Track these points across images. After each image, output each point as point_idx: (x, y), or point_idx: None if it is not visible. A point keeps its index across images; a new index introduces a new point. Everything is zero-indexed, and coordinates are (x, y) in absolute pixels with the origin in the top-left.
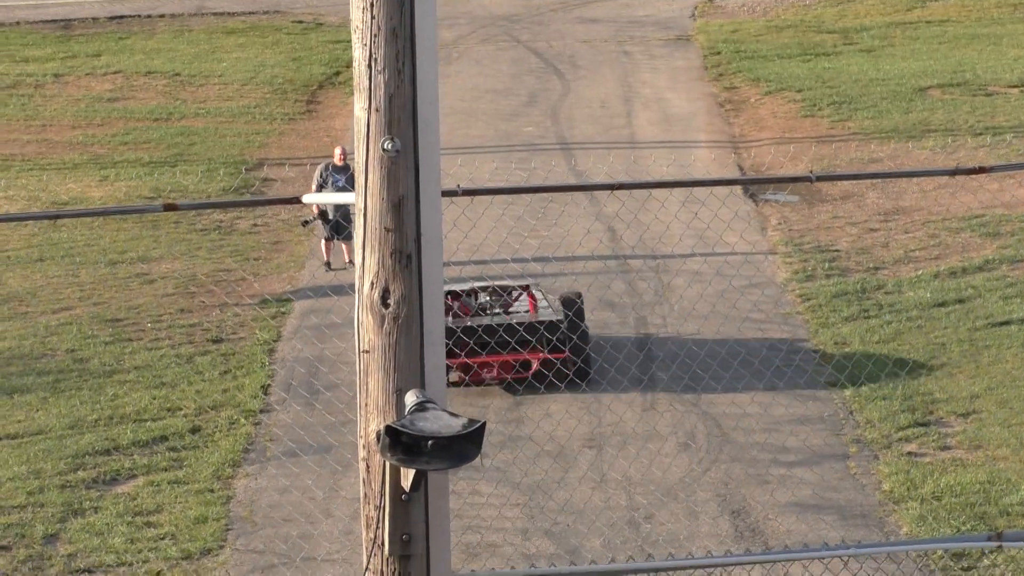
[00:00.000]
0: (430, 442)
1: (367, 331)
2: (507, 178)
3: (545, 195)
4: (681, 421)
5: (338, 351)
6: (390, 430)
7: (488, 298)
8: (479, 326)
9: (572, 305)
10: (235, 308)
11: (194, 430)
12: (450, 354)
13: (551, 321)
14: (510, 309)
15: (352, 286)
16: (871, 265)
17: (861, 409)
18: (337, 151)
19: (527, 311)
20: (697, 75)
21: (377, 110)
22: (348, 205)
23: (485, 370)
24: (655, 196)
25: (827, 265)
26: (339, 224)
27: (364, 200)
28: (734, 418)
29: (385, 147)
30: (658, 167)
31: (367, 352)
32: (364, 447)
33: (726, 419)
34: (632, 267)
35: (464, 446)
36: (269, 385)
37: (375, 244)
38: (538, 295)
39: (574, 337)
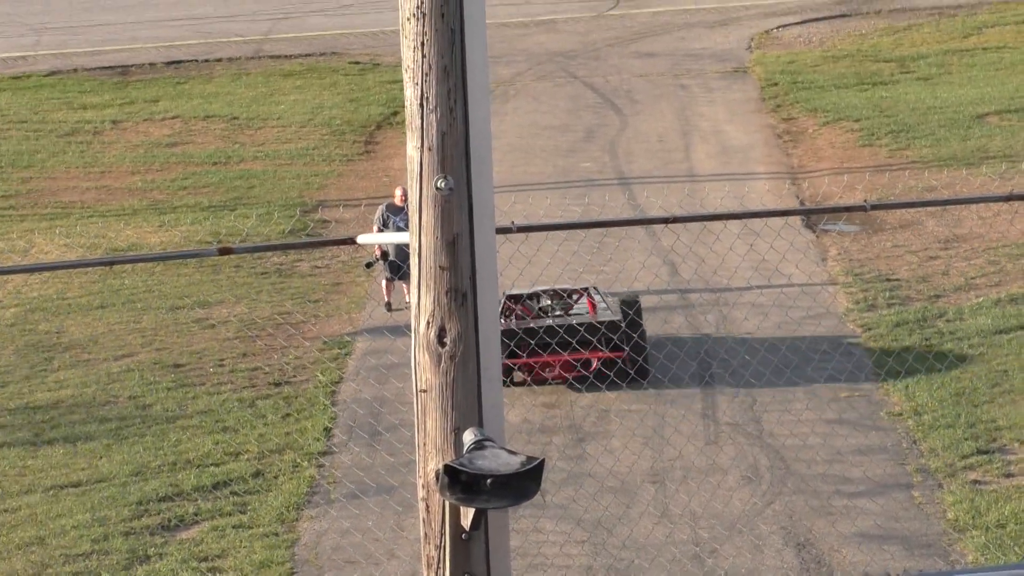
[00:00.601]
0: (489, 480)
1: (424, 370)
2: (563, 214)
3: (601, 230)
4: (743, 453)
5: (397, 392)
6: (449, 469)
7: (549, 301)
8: (540, 327)
9: (632, 306)
10: (295, 351)
11: (257, 474)
12: (513, 354)
13: (611, 321)
14: (571, 311)
15: (410, 326)
16: (932, 293)
17: (924, 438)
18: (398, 192)
19: (587, 312)
20: (755, 107)
21: (430, 149)
22: (406, 245)
23: (547, 370)
24: (709, 228)
25: (888, 294)
26: (397, 264)
27: (419, 239)
28: (796, 449)
29: (438, 186)
30: (714, 199)
31: (424, 391)
32: (423, 487)
33: (788, 451)
34: (690, 300)
35: (524, 483)
36: (330, 427)
37: (430, 283)
38: (597, 298)
39: (634, 336)
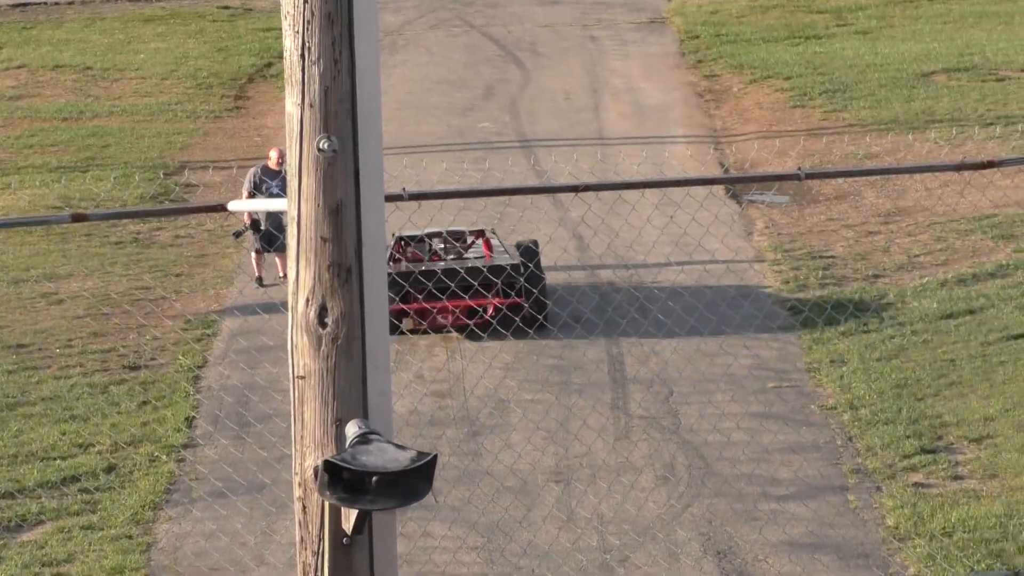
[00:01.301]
0: (375, 478)
1: (302, 354)
2: (460, 180)
3: (502, 199)
4: (658, 451)
5: (271, 377)
6: (329, 465)
7: (443, 244)
8: (438, 269)
9: (531, 255)
10: (154, 330)
11: (109, 469)
12: (405, 299)
13: (512, 264)
14: (465, 255)
15: (286, 304)
16: (870, 273)
17: (861, 435)
18: (273, 153)
19: (482, 257)
20: (673, 62)
21: (311, 105)
22: (282, 214)
23: (444, 315)
24: (625, 198)
25: (821, 273)
26: (271, 235)
27: (297, 207)
28: (718, 447)
29: (321, 147)
30: (629, 166)
31: (302, 378)
32: (300, 485)
33: (709, 448)
34: (601, 278)
35: (413, 482)
36: (193, 417)
37: (310, 256)
38: (495, 241)
39: (535, 284)
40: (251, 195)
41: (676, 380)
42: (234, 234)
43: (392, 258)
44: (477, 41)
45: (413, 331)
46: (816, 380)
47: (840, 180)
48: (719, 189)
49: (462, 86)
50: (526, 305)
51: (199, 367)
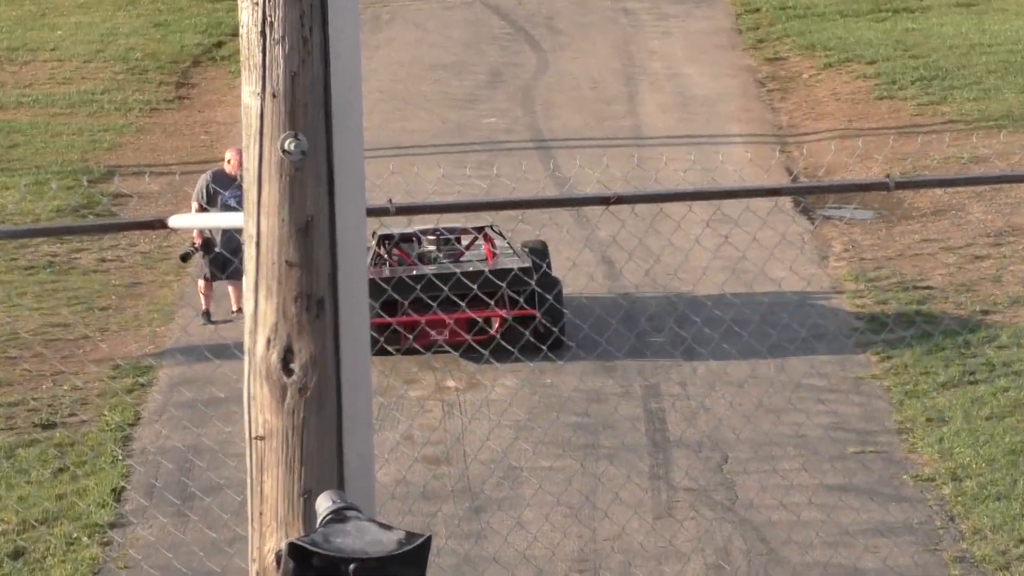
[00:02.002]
0: (352, 566)
1: (261, 409)
2: (460, 189)
3: (512, 213)
4: (709, 532)
5: (221, 438)
6: (295, 549)
7: (434, 247)
8: (424, 276)
9: (541, 256)
10: (75, 379)
11: (16, 554)
12: (388, 309)
13: (521, 268)
14: (462, 258)
15: (240, 345)
16: (977, 308)
17: (966, 513)
18: (229, 156)
19: (483, 260)
20: (727, 41)
21: (274, 95)
22: (238, 233)
23: (438, 330)
24: (667, 212)
25: (914, 308)
26: (225, 259)
27: (256, 223)
28: (784, 527)
29: (286, 148)
30: (672, 172)
31: (261, 438)
32: (259, 574)
33: (773, 529)
34: (638, 311)
35: (401, 571)
36: (123, 488)
37: (272, 285)
38: (499, 241)
39: (549, 298)
40: (202, 208)
41: (732, 443)
42: (181, 257)
43: (373, 260)
44: (480, 15)
45: (399, 350)
46: (909, 444)
47: (938, 191)
48: (786, 202)
49: (462, 71)
50: (539, 316)
51: (130, 425)
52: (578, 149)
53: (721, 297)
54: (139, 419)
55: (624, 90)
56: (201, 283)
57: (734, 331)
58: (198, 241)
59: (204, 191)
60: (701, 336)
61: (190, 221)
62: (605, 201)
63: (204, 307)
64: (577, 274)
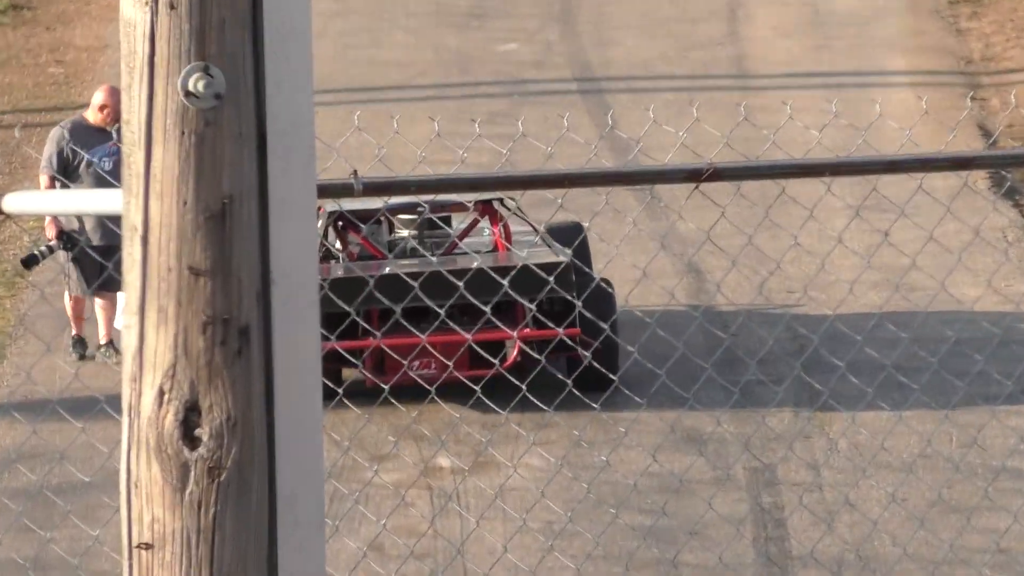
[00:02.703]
0: None
1: (149, 501)
2: (466, 156)
3: (544, 194)
4: None
5: (81, 546)
6: None
7: (413, 230)
8: (398, 277)
9: (573, 239)
10: None
11: None
12: (349, 333)
13: (550, 263)
14: (457, 249)
15: (115, 399)
16: None
17: None
18: (98, 97)
19: (491, 248)
20: None
21: (172, 6)
22: (114, 221)
23: (421, 362)
24: (790, 193)
25: None
26: (95, 260)
27: (143, 208)
28: None
29: (192, 88)
30: (798, 130)
31: (147, 547)
32: None
33: None
34: (741, 345)
35: None
36: None
37: (167, 305)
38: (512, 222)
39: (599, 322)
40: (56, 183)
41: (892, 560)
42: (23, 262)
43: (324, 253)
44: None
45: (369, 390)
46: None
47: None
48: (980, 178)
49: None
50: (587, 344)
51: None
52: (648, 93)
53: (877, 328)
54: None
55: (721, 1)
56: (69, 301)
57: (897, 382)
58: (52, 235)
59: (56, 156)
60: (844, 389)
61: (34, 202)
62: (693, 176)
63: (76, 331)
64: (648, 288)
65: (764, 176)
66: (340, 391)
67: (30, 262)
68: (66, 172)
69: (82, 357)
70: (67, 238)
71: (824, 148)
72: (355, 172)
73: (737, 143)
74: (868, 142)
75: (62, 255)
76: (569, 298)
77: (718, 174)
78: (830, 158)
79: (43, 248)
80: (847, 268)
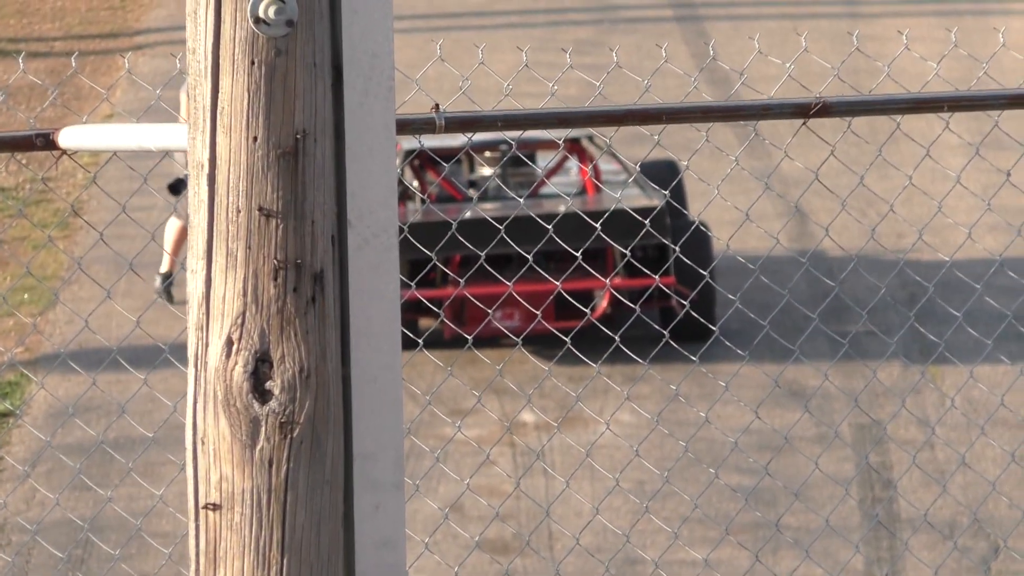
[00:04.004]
0: None
1: (216, 459)
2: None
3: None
4: None
5: (142, 506)
6: None
7: (496, 167)
8: (502, 217)
9: (668, 179)
10: None
11: None
12: (424, 282)
13: (643, 207)
14: (543, 190)
15: (181, 348)
16: None
17: None
18: None
19: (580, 190)
20: None
21: None
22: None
23: (501, 312)
24: (906, 130)
25: None
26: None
27: (209, 144)
28: None
29: (262, 14)
30: (914, 60)
31: (215, 508)
32: None
33: None
34: (848, 293)
35: None
36: None
37: (235, 250)
38: (601, 161)
39: (696, 267)
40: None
41: (1010, 524)
42: (170, 187)
43: (400, 194)
44: None
45: (449, 340)
46: None
47: None
48: None
49: None
50: (683, 294)
51: None
52: (750, 21)
53: (996, 275)
54: None
55: None
56: (174, 230)
57: (1017, 333)
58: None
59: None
60: (959, 341)
61: (92, 137)
62: (801, 111)
63: (168, 266)
64: (749, 232)
65: (877, 112)
66: (420, 342)
67: (179, 187)
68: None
69: (170, 297)
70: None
71: (941, 81)
72: (437, 106)
73: (847, 75)
74: (988, 75)
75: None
76: (665, 243)
77: (827, 109)
78: (949, 92)
79: (183, 176)
80: (964, 211)
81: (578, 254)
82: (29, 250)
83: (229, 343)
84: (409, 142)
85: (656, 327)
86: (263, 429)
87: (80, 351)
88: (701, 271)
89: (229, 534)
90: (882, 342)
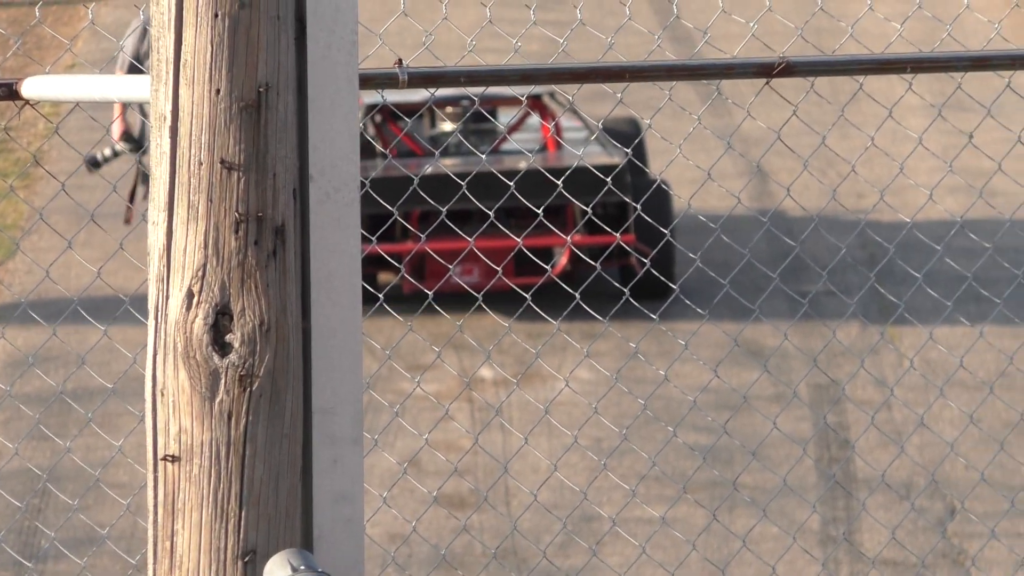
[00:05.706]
0: None
1: (176, 411)
2: (516, 43)
3: (600, 89)
4: None
5: (100, 457)
6: None
7: (457, 123)
8: (462, 174)
9: (630, 138)
10: None
11: None
12: (387, 235)
13: (603, 167)
14: (505, 146)
15: (141, 300)
16: None
17: None
18: None
19: (541, 147)
20: None
21: None
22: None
23: (464, 268)
24: (869, 91)
25: None
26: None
27: (172, 95)
28: None
29: None
30: (877, 21)
31: (173, 460)
32: None
33: None
34: (808, 252)
35: None
36: None
37: (197, 202)
38: (563, 117)
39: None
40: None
41: (965, 486)
42: (90, 161)
43: (363, 148)
44: None
45: (407, 294)
46: None
47: None
48: None
49: None
50: (643, 252)
51: None
52: None
53: (956, 236)
54: None
55: None
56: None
57: (976, 294)
58: (119, 132)
59: (137, 45)
60: (918, 302)
61: (56, 87)
62: (764, 71)
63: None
64: (710, 190)
65: (840, 72)
66: (380, 297)
67: (96, 163)
68: (138, 62)
69: (95, 166)
70: (126, 136)
71: (904, 42)
72: (400, 61)
73: (810, 35)
74: (952, 36)
75: (126, 154)
76: (625, 201)
77: (791, 69)
78: (912, 53)
79: (107, 153)
80: (925, 172)
81: (539, 211)
82: None
83: (190, 295)
84: (370, 96)
85: (616, 284)
86: (223, 382)
87: (40, 301)
88: (662, 229)
89: (188, 486)
90: (841, 302)
